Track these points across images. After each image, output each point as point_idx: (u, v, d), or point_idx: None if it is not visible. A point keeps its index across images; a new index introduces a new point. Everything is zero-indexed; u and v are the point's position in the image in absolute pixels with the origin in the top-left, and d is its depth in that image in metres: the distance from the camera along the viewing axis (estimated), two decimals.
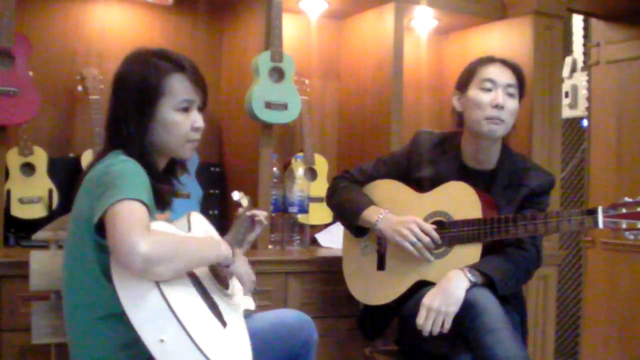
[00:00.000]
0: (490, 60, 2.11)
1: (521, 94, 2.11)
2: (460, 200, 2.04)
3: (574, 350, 3.94)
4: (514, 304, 2.05)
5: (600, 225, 1.85)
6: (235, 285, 1.77)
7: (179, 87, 1.62)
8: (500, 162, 2.12)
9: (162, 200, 1.63)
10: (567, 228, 1.93)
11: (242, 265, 1.72)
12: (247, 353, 1.54)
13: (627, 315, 3.44)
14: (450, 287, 1.90)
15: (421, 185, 2.16)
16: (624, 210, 1.83)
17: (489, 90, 2.05)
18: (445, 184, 2.09)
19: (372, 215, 2.13)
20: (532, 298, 2.88)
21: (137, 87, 1.60)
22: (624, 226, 1.83)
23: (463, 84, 2.12)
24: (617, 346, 3.48)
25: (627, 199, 1.84)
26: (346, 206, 2.21)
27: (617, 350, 3.48)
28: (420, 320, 1.91)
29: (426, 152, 2.19)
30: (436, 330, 1.88)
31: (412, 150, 2.22)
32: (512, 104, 2.06)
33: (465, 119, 2.10)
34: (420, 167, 2.18)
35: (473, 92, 2.07)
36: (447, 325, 1.88)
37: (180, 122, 1.63)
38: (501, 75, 2.07)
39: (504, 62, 2.10)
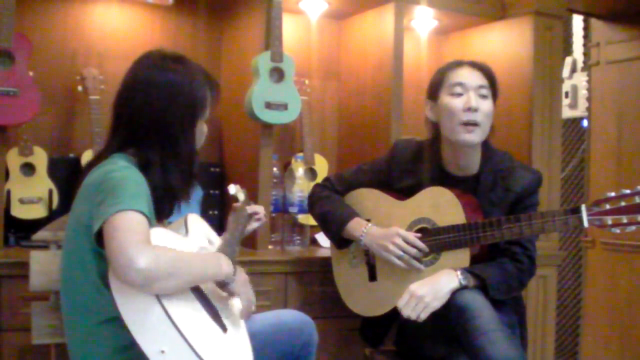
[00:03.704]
0: (457, 64, 2.07)
1: (494, 95, 2.06)
2: (442, 206, 2.02)
3: (574, 350, 3.94)
4: (511, 304, 2.05)
5: (585, 223, 1.84)
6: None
7: (210, 100, 1.67)
8: (482, 166, 2.07)
9: (163, 210, 1.64)
10: (552, 228, 1.91)
11: (242, 284, 1.63)
12: (247, 357, 1.54)
13: (627, 315, 3.44)
14: (439, 283, 1.90)
15: (404, 194, 2.13)
16: (607, 206, 1.82)
17: (460, 94, 2.01)
18: (424, 190, 2.06)
19: (355, 229, 2.11)
20: (532, 298, 2.88)
21: (189, 98, 1.61)
22: (609, 222, 1.82)
23: (433, 92, 2.08)
24: (617, 346, 3.48)
25: (610, 194, 1.83)
26: (329, 217, 2.19)
27: (617, 350, 3.48)
28: (401, 302, 1.92)
29: (405, 162, 2.15)
30: (412, 317, 1.89)
31: (391, 160, 2.18)
32: (486, 105, 2.01)
33: (441, 128, 2.06)
34: (401, 177, 2.15)
35: (444, 100, 2.03)
36: (423, 316, 1.88)
37: (205, 132, 1.70)
38: (470, 77, 2.02)
39: (472, 65, 2.06)
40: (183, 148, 1.60)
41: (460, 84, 2.02)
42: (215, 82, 1.70)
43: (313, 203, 2.28)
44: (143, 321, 1.34)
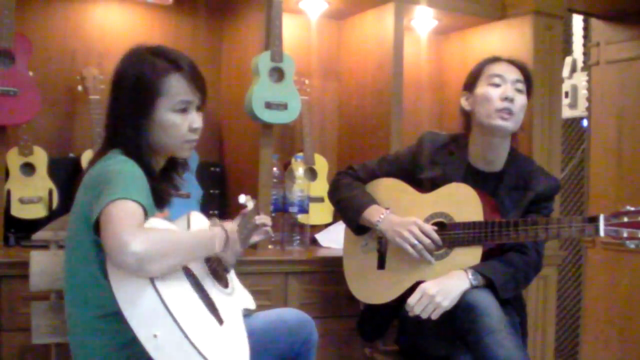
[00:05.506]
0: (496, 59, 2.14)
1: (529, 92, 2.12)
2: (462, 202, 2.04)
3: (574, 350, 3.94)
4: (514, 305, 2.05)
5: (602, 233, 1.85)
6: (234, 283, 1.76)
7: (176, 87, 1.60)
8: (507, 164, 2.12)
9: (160, 199, 1.64)
10: (567, 234, 1.92)
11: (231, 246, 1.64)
12: (244, 351, 1.54)
13: (627, 315, 3.44)
14: (451, 284, 1.91)
15: (426, 185, 2.15)
16: (625, 219, 1.83)
17: (498, 85, 2.07)
18: (448, 185, 2.08)
19: (373, 214, 2.13)
20: (532, 298, 2.88)
21: (134, 87, 1.59)
22: (625, 235, 1.83)
23: (471, 83, 2.13)
24: (617, 346, 3.48)
25: (629, 208, 1.84)
26: (348, 204, 2.20)
27: (617, 350, 3.48)
28: (412, 300, 1.92)
29: (432, 153, 2.18)
30: (424, 316, 1.89)
31: (418, 150, 2.21)
32: (521, 99, 2.07)
33: (475, 116, 2.10)
34: (425, 168, 2.17)
35: (482, 89, 2.08)
36: (434, 316, 1.89)
37: (178, 123, 1.62)
38: (508, 71, 2.09)
39: (511, 61, 2.12)
40: (135, 140, 1.59)
41: (499, 76, 2.08)
42: (188, 68, 1.62)
43: (334, 189, 2.29)
44: (137, 306, 1.35)
